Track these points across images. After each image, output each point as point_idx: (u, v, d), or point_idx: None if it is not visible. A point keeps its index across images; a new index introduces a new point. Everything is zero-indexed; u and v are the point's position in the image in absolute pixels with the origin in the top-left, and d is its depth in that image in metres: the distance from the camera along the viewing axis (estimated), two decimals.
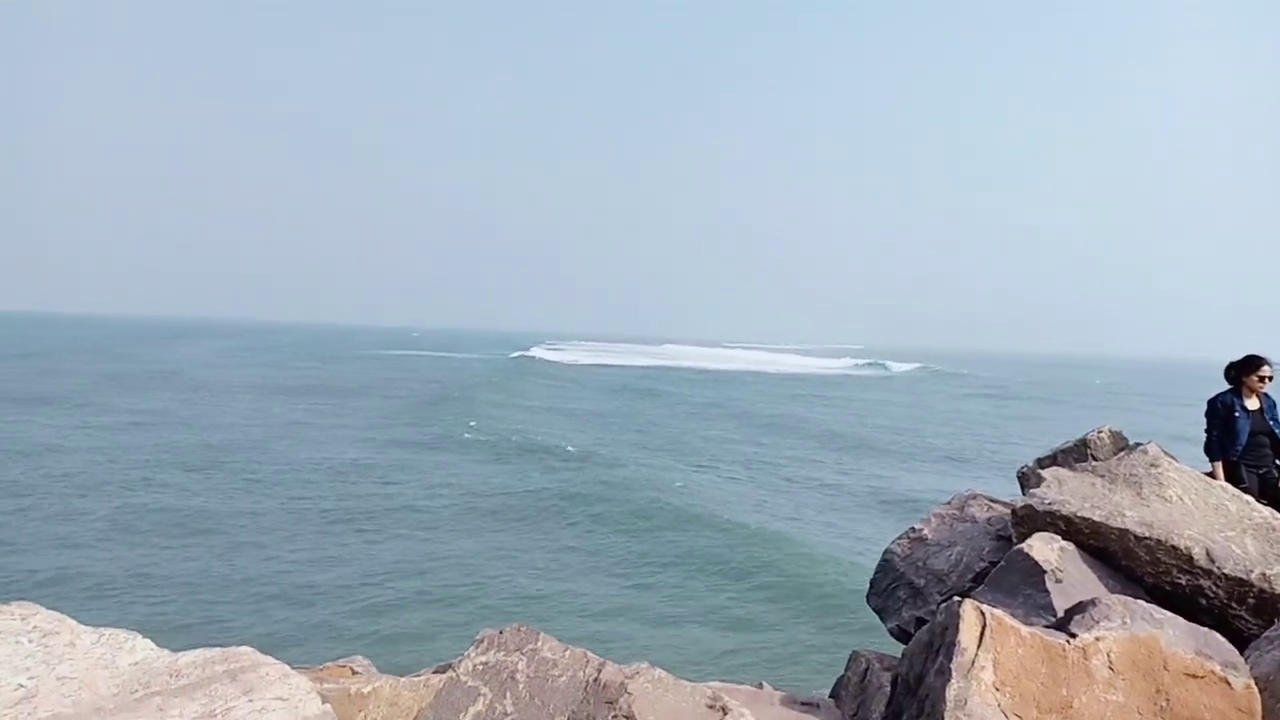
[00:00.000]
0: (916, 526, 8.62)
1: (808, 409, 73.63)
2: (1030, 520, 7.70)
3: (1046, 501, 7.70)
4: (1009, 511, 8.29)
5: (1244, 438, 9.42)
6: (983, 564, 8.02)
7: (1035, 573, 7.10)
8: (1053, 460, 8.90)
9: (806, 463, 46.01)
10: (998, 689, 5.65)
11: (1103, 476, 8.08)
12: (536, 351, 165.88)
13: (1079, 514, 7.55)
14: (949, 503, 8.92)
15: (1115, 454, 8.69)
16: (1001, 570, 7.30)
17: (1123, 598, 6.30)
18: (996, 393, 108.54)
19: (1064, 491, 7.94)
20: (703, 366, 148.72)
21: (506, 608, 22.22)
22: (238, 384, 76.88)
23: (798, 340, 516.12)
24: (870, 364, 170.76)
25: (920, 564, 8.26)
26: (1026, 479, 8.64)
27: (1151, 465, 8.16)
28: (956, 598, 6.15)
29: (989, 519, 8.57)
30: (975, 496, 8.93)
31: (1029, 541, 7.36)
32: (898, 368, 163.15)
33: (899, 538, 8.60)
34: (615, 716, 5.79)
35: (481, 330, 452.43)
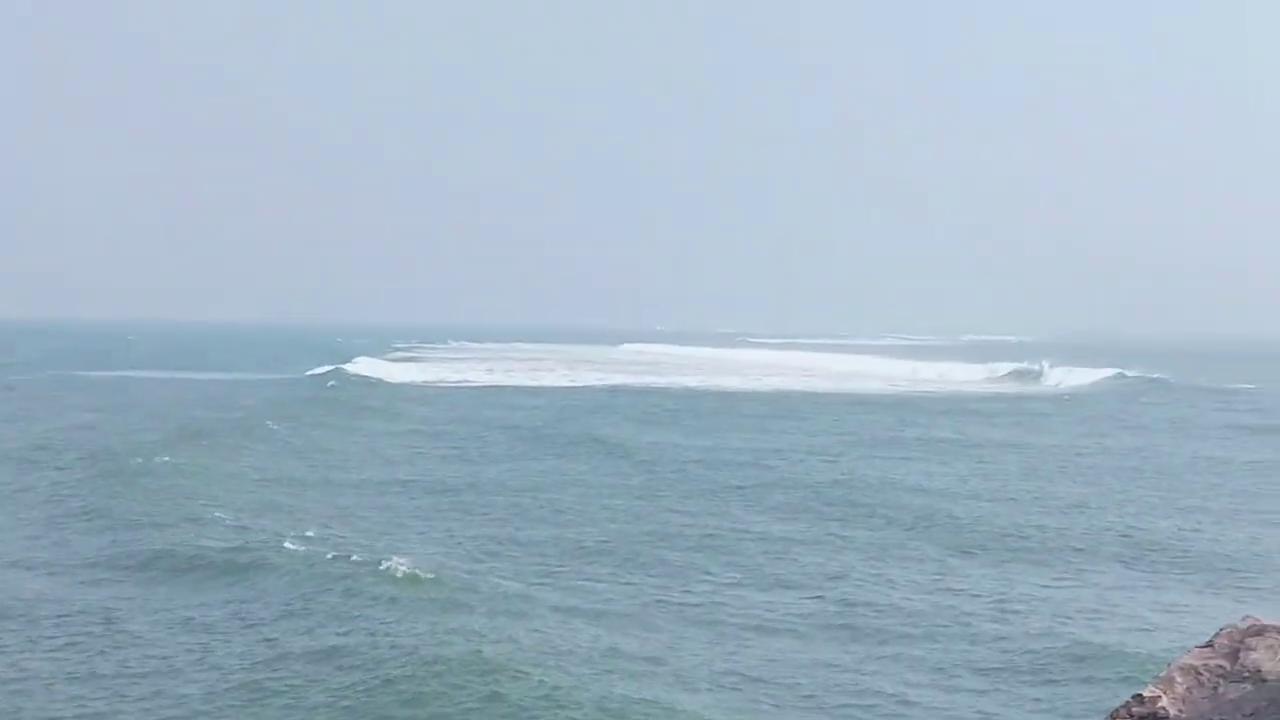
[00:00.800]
0: (1146, 694, 5.65)
1: (908, 468, 48.37)
2: None
3: None
4: None
5: None
6: None
7: None
8: None
9: (927, 580, 29.15)
10: None
11: None
12: (363, 365, 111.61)
13: None
14: (1209, 644, 5.96)
15: None
16: None
17: None
18: None
19: None
20: (699, 385, 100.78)
21: None
22: None
23: (901, 330, 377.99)
24: (1016, 373, 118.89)
25: None
26: None
27: None
28: None
29: None
30: (1261, 631, 5.97)
31: None
32: (1069, 377, 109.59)
33: (1111, 717, 5.64)
34: None
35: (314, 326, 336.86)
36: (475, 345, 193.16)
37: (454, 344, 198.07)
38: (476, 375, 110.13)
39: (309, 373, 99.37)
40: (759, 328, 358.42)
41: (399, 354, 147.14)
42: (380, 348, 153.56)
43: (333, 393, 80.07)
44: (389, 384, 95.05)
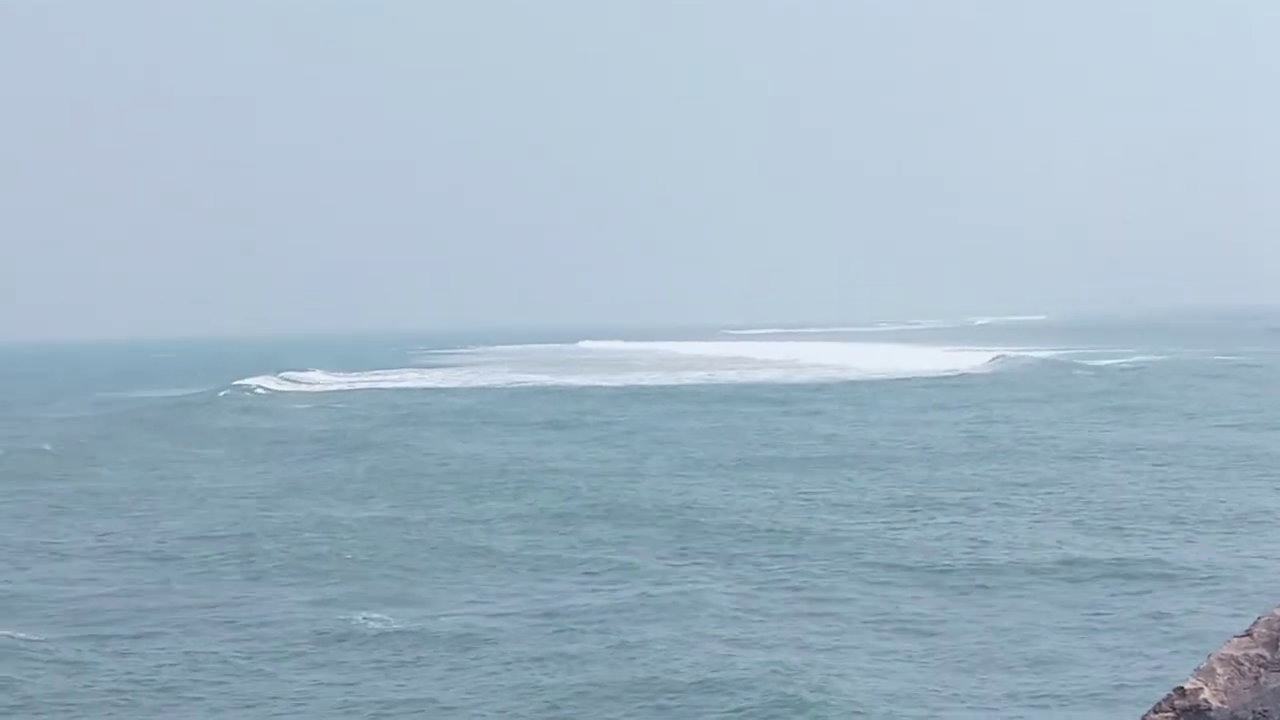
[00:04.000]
0: (1187, 687, 5.56)
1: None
2: None
3: None
4: None
5: None
6: None
7: None
8: None
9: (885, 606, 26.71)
10: None
11: None
12: (270, 380, 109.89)
13: None
14: (1247, 634, 5.81)
15: None
16: None
17: None
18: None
19: None
20: (593, 383, 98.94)
21: None
22: None
23: (912, 317, 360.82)
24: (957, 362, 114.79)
25: None
26: None
27: None
28: None
29: None
30: None
31: None
32: (954, 360, 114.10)
33: (1153, 711, 5.56)
34: None
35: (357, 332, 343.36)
36: (486, 349, 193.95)
37: (473, 349, 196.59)
38: (404, 380, 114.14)
39: (221, 392, 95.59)
40: (777, 318, 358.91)
41: (414, 360, 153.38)
42: (401, 356, 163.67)
43: (193, 411, 78.81)
44: (282, 395, 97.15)
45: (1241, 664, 5.77)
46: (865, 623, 25.10)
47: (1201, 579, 26.98)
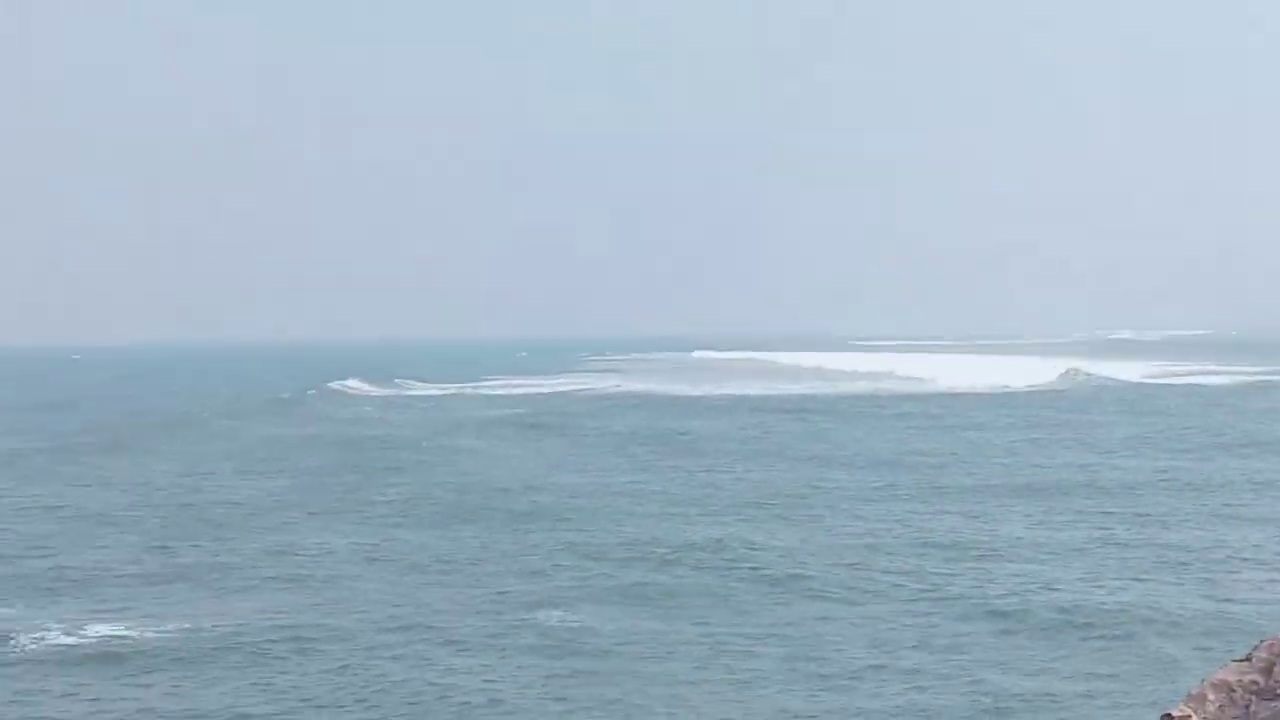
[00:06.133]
0: (1175, 714, 5.42)
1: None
2: None
3: None
4: None
5: None
6: None
7: None
8: None
9: None
10: None
11: None
12: (353, 383, 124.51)
13: None
14: (1246, 658, 5.63)
15: None
16: None
17: None
18: None
19: None
20: (768, 392, 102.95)
21: None
22: None
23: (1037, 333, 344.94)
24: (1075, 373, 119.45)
25: None
26: None
27: None
28: None
29: None
30: None
31: None
32: (1028, 375, 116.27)
33: None
34: None
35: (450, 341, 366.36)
36: (618, 357, 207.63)
37: (613, 356, 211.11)
38: (477, 389, 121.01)
39: (307, 393, 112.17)
40: (918, 330, 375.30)
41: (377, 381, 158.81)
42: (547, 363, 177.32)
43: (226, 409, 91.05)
44: (356, 395, 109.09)
45: (1234, 690, 5.50)
46: None
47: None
